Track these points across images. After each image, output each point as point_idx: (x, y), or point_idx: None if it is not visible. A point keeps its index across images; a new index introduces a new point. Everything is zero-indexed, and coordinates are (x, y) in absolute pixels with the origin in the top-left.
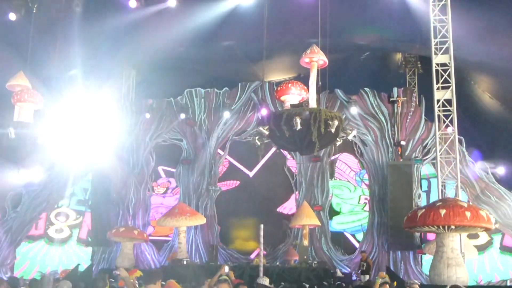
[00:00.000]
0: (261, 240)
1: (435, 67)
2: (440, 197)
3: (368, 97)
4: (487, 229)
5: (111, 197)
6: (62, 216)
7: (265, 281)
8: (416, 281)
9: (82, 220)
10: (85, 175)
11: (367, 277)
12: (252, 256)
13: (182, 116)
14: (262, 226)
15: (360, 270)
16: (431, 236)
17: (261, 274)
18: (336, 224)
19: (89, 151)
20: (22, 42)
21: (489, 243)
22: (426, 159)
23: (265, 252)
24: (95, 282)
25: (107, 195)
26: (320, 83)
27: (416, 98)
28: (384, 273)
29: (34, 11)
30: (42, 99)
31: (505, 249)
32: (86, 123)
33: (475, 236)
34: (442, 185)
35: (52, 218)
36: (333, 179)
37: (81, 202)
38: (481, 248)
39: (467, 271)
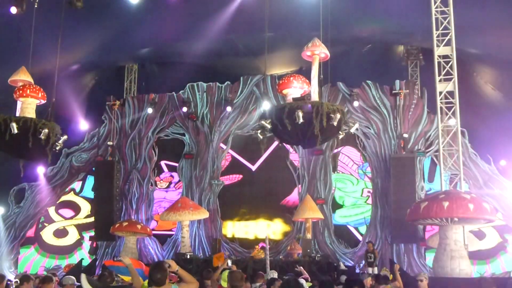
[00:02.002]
0: (267, 252)
1: (437, 59)
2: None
3: (370, 89)
4: (490, 221)
5: (114, 191)
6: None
7: (274, 274)
8: (424, 273)
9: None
10: (88, 170)
11: (375, 269)
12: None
13: (184, 110)
14: (267, 236)
15: (367, 262)
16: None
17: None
18: (339, 217)
19: (92, 145)
20: (24, 36)
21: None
22: (428, 151)
23: (264, 244)
24: (102, 277)
25: (110, 190)
26: (322, 76)
27: (418, 90)
28: (387, 268)
29: (36, 5)
30: (44, 94)
31: None
32: (88, 118)
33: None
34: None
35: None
36: (335, 172)
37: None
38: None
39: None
